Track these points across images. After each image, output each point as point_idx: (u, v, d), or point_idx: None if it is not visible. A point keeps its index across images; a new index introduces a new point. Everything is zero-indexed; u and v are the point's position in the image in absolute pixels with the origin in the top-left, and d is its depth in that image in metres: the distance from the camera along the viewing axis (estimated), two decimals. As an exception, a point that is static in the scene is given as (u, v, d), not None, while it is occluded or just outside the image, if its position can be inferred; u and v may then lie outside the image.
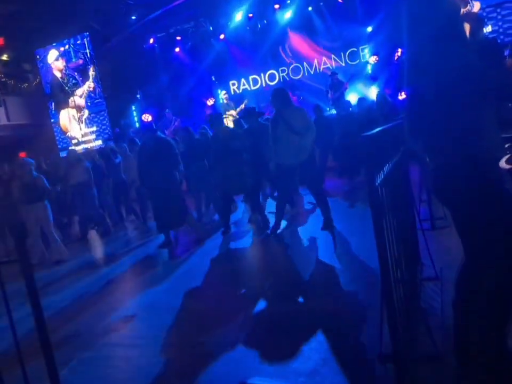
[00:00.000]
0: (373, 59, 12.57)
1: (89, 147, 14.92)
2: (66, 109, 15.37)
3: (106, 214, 8.96)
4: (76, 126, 15.36)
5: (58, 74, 15.28)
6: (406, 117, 2.39)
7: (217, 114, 7.52)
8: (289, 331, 3.26)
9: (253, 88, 14.61)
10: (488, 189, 2.00)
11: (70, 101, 15.20)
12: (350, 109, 8.78)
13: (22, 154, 12.63)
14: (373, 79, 11.76)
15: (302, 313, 3.56)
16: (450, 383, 2.25)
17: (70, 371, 3.21)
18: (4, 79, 15.31)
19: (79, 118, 15.26)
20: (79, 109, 15.18)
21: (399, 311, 2.29)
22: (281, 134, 5.50)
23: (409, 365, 2.28)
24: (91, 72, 14.78)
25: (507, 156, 2.06)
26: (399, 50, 11.18)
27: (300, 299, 3.82)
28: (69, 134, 15.46)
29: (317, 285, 4.06)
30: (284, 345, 3.04)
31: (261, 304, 3.89)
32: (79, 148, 14.41)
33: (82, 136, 15.29)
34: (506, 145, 4.30)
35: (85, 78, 15.01)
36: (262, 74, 14.44)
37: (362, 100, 8.39)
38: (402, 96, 9.40)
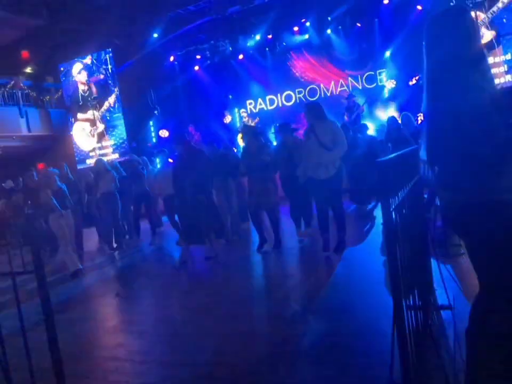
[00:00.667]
0: (390, 83, 12.60)
1: (106, 160, 15.12)
2: (79, 122, 15.67)
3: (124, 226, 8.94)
4: (86, 139, 15.62)
5: (81, 87, 15.63)
6: (423, 142, 2.36)
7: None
8: (296, 357, 3.22)
9: (269, 108, 14.78)
10: (506, 230, 1.94)
11: (88, 114, 15.50)
12: (367, 131, 8.75)
13: (41, 166, 12.84)
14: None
15: (309, 338, 3.51)
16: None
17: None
18: (27, 91, 15.72)
19: (90, 132, 15.53)
20: (93, 123, 15.45)
21: (411, 339, 2.26)
22: (311, 147, 5.49)
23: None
24: (115, 90, 15.06)
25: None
26: (417, 76, 11.18)
27: (308, 324, 3.77)
28: (79, 147, 15.75)
29: (328, 310, 4.01)
30: (289, 372, 3.01)
31: (272, 325, 3.87)
32: (92, 161, 14.59)
33: (100, 149, 15.52)
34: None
35: (105, 93, 15.30)
36: (278, 95, 14.61)
37: (392, 118, 8.19)
38: (419, 120, 9.39)
